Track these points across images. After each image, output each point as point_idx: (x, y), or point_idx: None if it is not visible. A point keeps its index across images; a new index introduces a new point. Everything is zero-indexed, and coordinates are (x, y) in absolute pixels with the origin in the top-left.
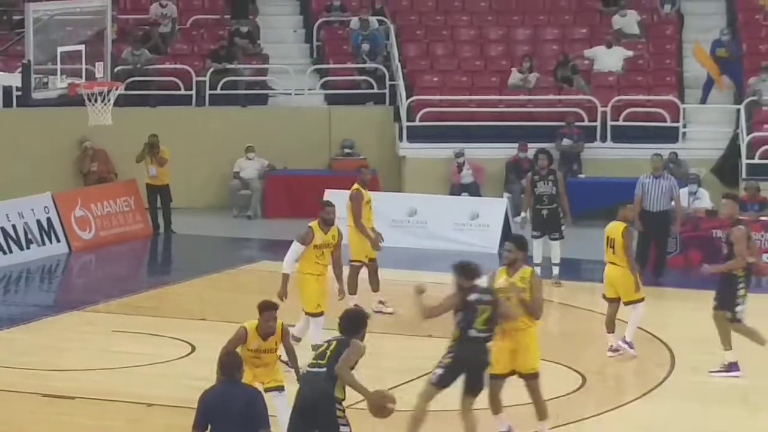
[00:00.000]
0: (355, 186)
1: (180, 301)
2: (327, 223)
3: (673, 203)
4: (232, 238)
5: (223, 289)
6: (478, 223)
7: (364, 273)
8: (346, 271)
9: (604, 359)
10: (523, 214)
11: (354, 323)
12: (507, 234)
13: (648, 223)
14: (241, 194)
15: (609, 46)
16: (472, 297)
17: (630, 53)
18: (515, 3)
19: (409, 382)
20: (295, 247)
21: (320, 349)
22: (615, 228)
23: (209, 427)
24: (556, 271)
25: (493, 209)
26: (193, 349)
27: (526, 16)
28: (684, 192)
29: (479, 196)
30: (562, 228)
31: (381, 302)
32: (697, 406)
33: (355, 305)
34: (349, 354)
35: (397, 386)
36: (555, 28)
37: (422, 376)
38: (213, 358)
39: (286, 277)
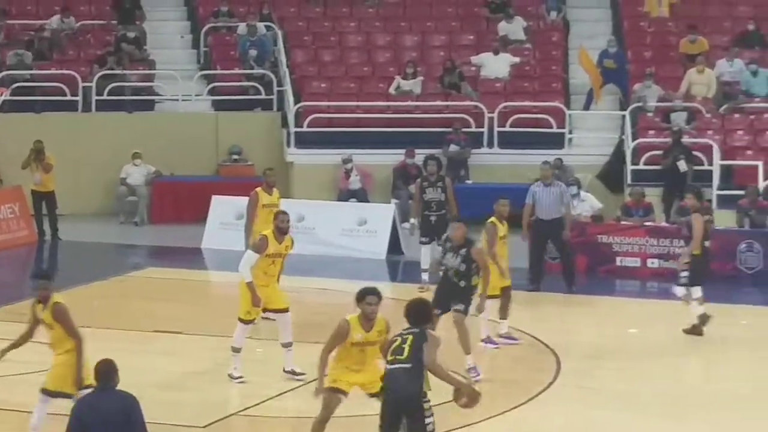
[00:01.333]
0: (257, 188)
1: None
2: (281, 232)
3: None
4: (118, 245)
5: (109, 296)
6: (365, 229)
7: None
8: None
9: (490, 364)
10: (411, 221)
11: (423, 314)
12: (395, 239)
13: (541, 231)
14: (128, 200)
15: (496, 52)
16: None
17: (516, 60)
18: (402, 10)
19: (293, 389)
20: (250, 255)
21: (395, 345)
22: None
23: None
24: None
25: (381, 215)
26: None
27: (414, 22)
28: None
29: (367, 202)
30: None
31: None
32: (583, 410)
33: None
34: (431, 347)
35: (281, 393)
36: (442, 35)
37: (309, 382)
38: None
39: (251, 285)
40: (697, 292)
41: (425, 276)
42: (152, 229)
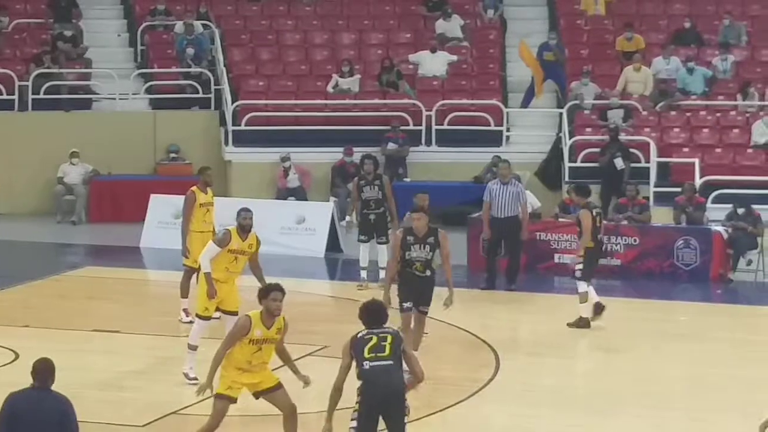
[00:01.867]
0: (193, 187)
1: (3, 308)
2: (244, 229)
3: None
4: (56, 244)
5: (47, 295)
6: (304, 227)
7: None
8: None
9: (428, 362)
10: (348, 218)
11: (380, 315)
12: (334, 238)
13: (497, 229)
14: (65, 200)
15: (433, 50)
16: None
17: (454, 58)
18: (340, 8)
19: None
20: (211, 247)
21: (372, 343)
22: None
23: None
24: (382, 274)
25: (320, 213)
26: (17, 356)
27: (351, 20)
28: None
29: (305, 200)
30: (389, 232)
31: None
32: (524, 407)
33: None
34: (406, 345)
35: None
36: (380, 33)
37: None
38: None
39: (209, 276)
40: (582, 286)
41: (364, 274)
42: (90, 228)
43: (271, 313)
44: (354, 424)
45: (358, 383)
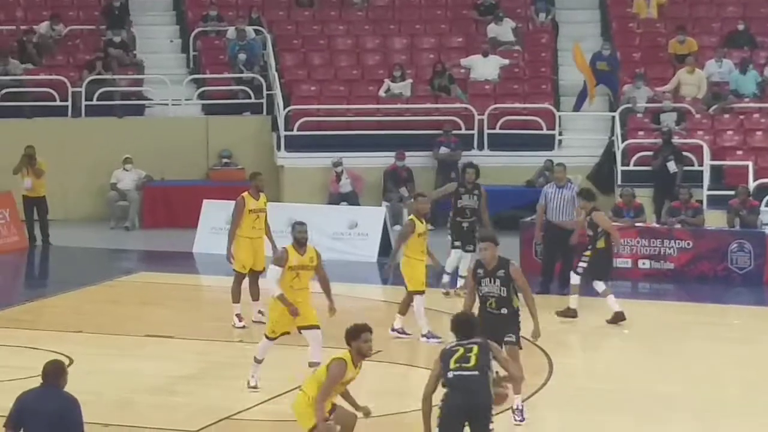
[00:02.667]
0: (244, 193)
1: (57, 314)
2: (300, 243)
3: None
4: (109, 250)
5: (100, 300)
6: (357, 232)
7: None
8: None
9: None
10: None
11: (467, 326)
12: (386, 242)
13: (552, 233)
14: (118, 205)
15: (485, 54)
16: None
17: (506, 62)
18: (391, 12)
19: (286, 393)
20: (272, 269)
21: (458, 354)
22: None
23: (22, 429)
24: (461, 282)
25: (372, 218)
26: (71, 361)
27: (403, 25)
28: None
29: (358, 205)
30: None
31: (260, 312)
32: (575, 412)
33: (259, 311)
34: (497, 352)
35: (273, 396)
36: (431, 37)
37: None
38: (91, 370)
39: (282, 297)
40: (600, 286)
41: (448, 279)
42: (143, 234)
43: (363, 355)
44: (436, 430)
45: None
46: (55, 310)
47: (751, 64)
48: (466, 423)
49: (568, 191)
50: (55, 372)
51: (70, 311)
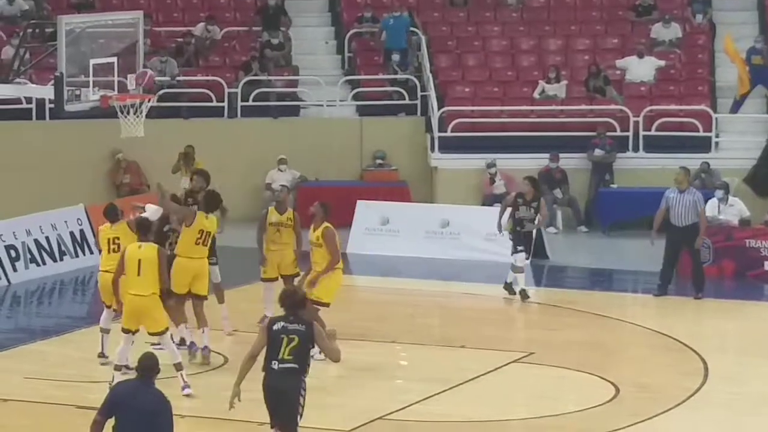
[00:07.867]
0: (269, 207)
1: (212, 314)
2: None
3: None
4: None
5: (255, 300)
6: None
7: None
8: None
9: (637, 369)
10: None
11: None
12: (539, 244)
13: (675, 237)
14: None
15: (641, 56)
16: (277, 326)
17: (662, 63)
18: (546, 13)
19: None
20: (149, 208)
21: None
22: None
23: (114, 418)
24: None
25: None
26: (226, 360)
27: (558, 26)
28: (713, 200)
29: None
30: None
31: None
32: (731, 416)
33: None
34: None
35: (426, 398)
36: (586, 39)
37: (453, 387)
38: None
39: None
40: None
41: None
42: None
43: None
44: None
45: None
46: (210, 309)
47: None
48: None
49: (690, 195)
50: (152, 367)
51: (233, 309)
